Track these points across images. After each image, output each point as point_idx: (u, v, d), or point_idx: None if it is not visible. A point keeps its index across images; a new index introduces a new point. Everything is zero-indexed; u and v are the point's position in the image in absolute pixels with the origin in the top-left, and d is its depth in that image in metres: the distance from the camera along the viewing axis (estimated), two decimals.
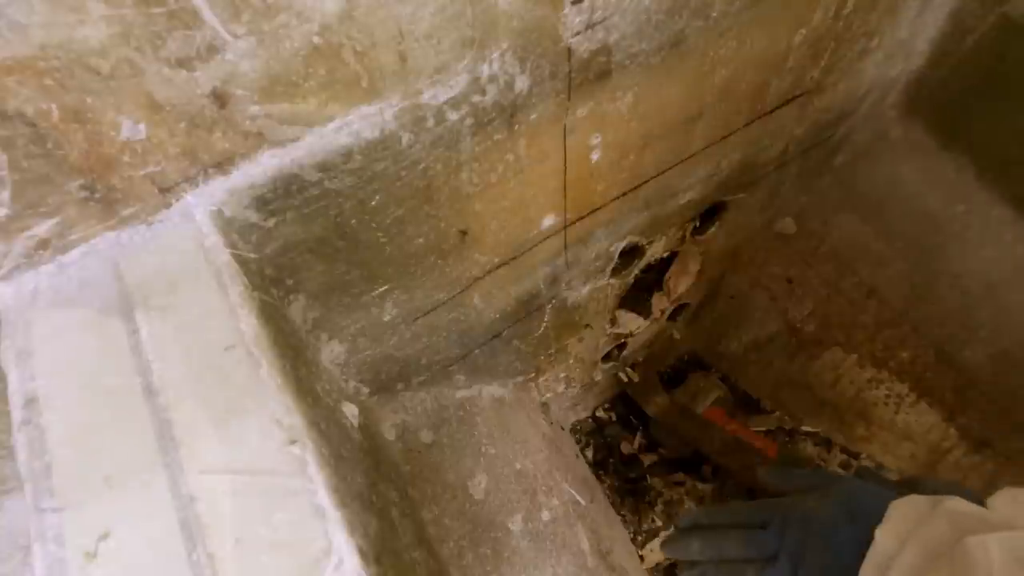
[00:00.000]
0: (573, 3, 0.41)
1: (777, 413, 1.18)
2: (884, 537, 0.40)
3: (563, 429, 1.17)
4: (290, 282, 0.44)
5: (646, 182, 0.66)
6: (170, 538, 0.27)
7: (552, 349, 0.88)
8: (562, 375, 1.00)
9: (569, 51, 0.44)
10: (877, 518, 0.41)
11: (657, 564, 1.08)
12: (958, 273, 0.87)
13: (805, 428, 1.14)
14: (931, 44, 0.78)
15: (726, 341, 1.21)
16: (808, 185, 0.95)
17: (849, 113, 0.82)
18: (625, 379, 1.21)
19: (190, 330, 0.32)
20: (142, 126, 0.31)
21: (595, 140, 0.54)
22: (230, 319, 0.32)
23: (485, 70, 0.40)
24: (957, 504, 0.39)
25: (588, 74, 0.47)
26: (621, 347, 1.09)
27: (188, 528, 0.27)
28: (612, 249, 0.74)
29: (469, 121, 0.43)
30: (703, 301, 1.16)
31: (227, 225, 0.36)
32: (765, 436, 1.14)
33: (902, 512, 0.41)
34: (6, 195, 0.29)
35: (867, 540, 0.41)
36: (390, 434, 0.65)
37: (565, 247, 0.66)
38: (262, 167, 0.36)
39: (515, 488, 0.74)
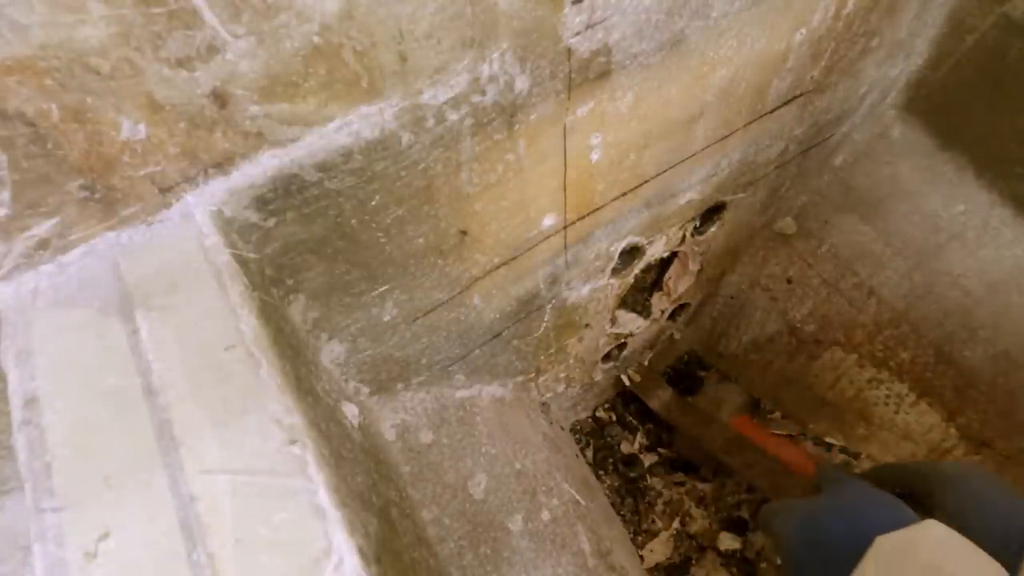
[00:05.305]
0: (573, 3, 0.41)
1: (777, 414, 1.18)
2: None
3: (563, 429, 1.17)
4: (290, 282, 0.44)
5: (646, 182, 0.66)
6: (170, 538, 0.27)
7: (552, 349, 0.88)
8: (562, 375, 1.00)
9: (569, 51, 0.44)
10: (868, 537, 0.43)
11: (657, 564, 1.08)
12: (958, 273, 0.87)
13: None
14: (931, 44, 0.78)
15: (726, 341, 1.21)
16: (808, 185, 0.95)
17: (849, 113, 0.82)
18: (627, 382, 1.20)
19: (190, 330, 0.32)
20: (142, 126, 0.31)
21: (595, 140, 0.54)
22: (230, 319, 0.32)
23: (485, 70, 0.40)
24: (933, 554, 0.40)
25: (588, 74, 0.47)
26: (621, 347, 1.09)
27: (188, 528, 0.27)
28: (612, 249, 0.74)
29: (469, 121, 0.43)
30: (703, 301, 1.16)
31: (227, 225, 0.36)
32: (800, 449, 1.05)
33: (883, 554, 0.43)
34: (6, 195, 0.29)
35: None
36: (390, 434, 0.65)
37: (565, 247, 0.66)
38: (262, 167, 0.36)
39: (515, 488, 0.74)
